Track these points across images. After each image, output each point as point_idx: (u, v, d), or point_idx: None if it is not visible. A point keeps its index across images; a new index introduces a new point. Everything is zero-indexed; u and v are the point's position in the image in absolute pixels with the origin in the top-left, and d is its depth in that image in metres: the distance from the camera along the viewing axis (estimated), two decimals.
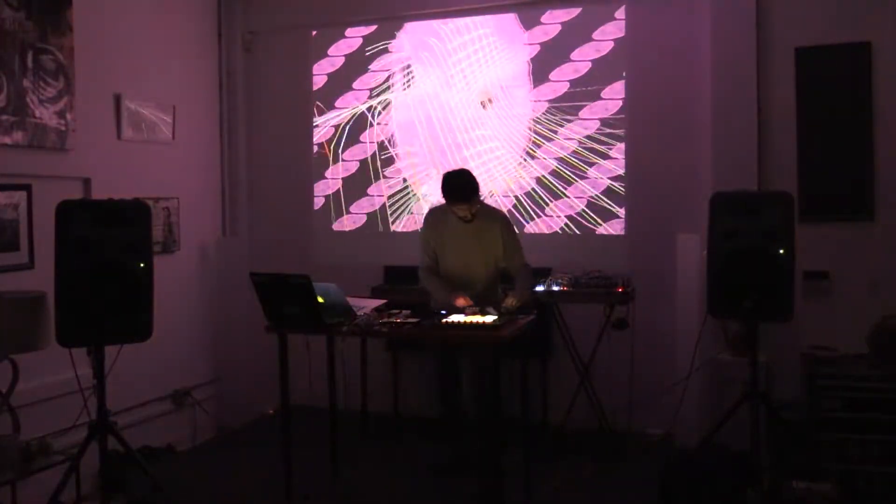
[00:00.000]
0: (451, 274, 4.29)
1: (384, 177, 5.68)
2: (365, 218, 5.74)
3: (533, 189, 5.28)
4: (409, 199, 5.62)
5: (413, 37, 5.58)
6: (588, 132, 5.15)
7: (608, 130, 5.11)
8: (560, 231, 5.22)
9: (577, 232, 5.18)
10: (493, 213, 4.38)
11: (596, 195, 5.13)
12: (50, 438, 3.72)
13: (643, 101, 5.04)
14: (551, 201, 5.24)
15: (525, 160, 5.30)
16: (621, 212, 5.09)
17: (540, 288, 4.47)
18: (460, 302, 3.97)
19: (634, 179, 5.06)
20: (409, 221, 5.60)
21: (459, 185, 4.12)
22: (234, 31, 5.79)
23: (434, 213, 4.41)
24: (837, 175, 4.51)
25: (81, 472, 3.53)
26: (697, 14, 4.84)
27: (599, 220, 5.13)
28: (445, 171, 4.36)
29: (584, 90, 5.15)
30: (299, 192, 5.91)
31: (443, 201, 4.23)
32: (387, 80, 5.65)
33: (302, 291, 3.62)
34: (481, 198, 4.26)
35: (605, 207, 5.12)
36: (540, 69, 5.25)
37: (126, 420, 4.35)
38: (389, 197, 5.68)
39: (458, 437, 4.45)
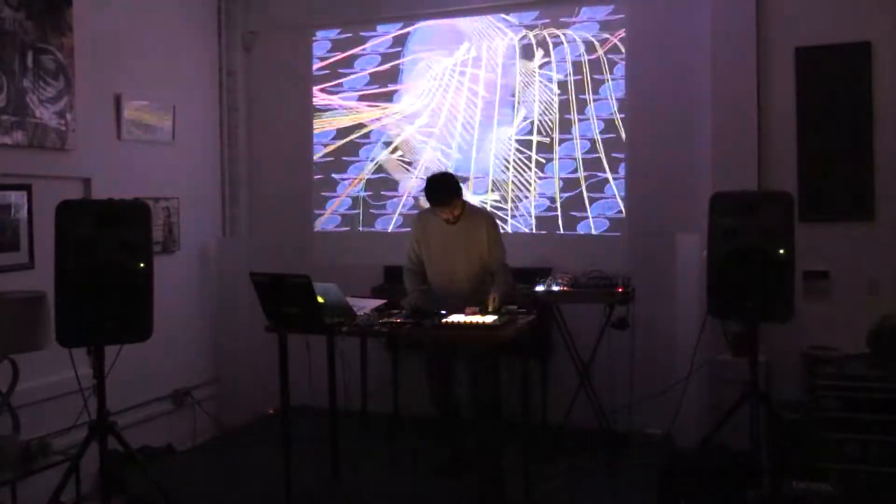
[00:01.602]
0: (436, 272, 4.35)
1: (385, 178, 5.68)
2: (366, 218, 5.74)
3: (535, 189, 5.28)
4: (409, 199, 5.63)
5: (413, 36, 5.58)
6: (587, 132, 5.15)
7: (608, 128, 5.11)
8: (560, 231, 5.22)
9: (577, 232, 5.18)
10: (479, 212, 4.45)
11: (597, 196, 5.14)
12: (50, 438, 3.72)
13: (643, 101, 5.03)
14: (552, 201, 5.24)
15: (526, 161, 5.30)
16: (621, 212, 5.09)
17: (540, 288, 4.47)
18: (406, 301, 4.18)
19: (634, 179, 5.06)
20: (410, 222, 5.59)
21: (439, 189, 4.22)
22: (234, 31, 5.79)
23: (422, 214, 4.49)
24: (837, 175, 4.51)
25: (81, 472, 3.52)
26: (697, 14, 4.84)
27: (600, 220, 5.13)
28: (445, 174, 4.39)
29: (583, 90, 5.14)
30: (299, 192, 5.90)
31: None
32: (385, 80, 5.65)
33: (302, 291, 3.62)
34: (462, 198, 4.31)
35: (605, 207, 5.12)
36: (538, 68, 5.24)
37: (126, 420, 4.37)
38: (385, 195, 5.69)
39: (458, 437, 4.45)
